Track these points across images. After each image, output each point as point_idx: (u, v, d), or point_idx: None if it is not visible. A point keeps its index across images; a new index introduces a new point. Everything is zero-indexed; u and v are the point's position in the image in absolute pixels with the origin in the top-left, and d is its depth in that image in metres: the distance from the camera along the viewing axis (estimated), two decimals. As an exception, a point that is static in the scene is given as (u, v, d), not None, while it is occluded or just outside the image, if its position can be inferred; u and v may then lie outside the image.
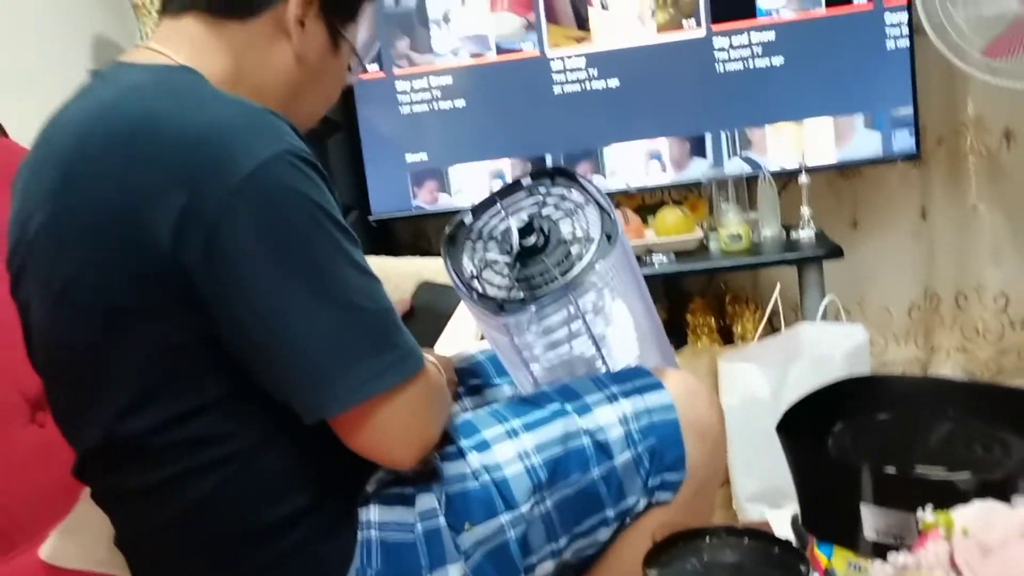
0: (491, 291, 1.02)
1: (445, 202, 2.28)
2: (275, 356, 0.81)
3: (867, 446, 0.82)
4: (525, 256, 1.03)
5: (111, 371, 0.84)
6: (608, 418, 0.99)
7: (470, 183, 2.27)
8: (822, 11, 2.12)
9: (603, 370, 1.08)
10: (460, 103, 2.24)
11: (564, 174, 1.09)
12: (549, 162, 2.24)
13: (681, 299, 2.35)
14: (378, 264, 1.46)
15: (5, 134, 1.50)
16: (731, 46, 2.15)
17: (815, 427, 0.85)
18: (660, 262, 2.04)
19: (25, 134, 1.47)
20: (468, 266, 1.06)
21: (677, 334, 2.30)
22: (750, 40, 2.14)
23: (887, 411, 0.88)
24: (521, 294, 1.02)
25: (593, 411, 1.00)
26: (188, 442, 0.84)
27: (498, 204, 1.09)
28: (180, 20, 0.92)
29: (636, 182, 2.23)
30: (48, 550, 1.05)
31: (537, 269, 1.02)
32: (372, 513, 0.92)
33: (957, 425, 0.81)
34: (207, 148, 0.78)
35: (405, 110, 2.25)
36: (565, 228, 1.05)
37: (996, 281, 2.42)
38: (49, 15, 1.91)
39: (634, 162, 2.22)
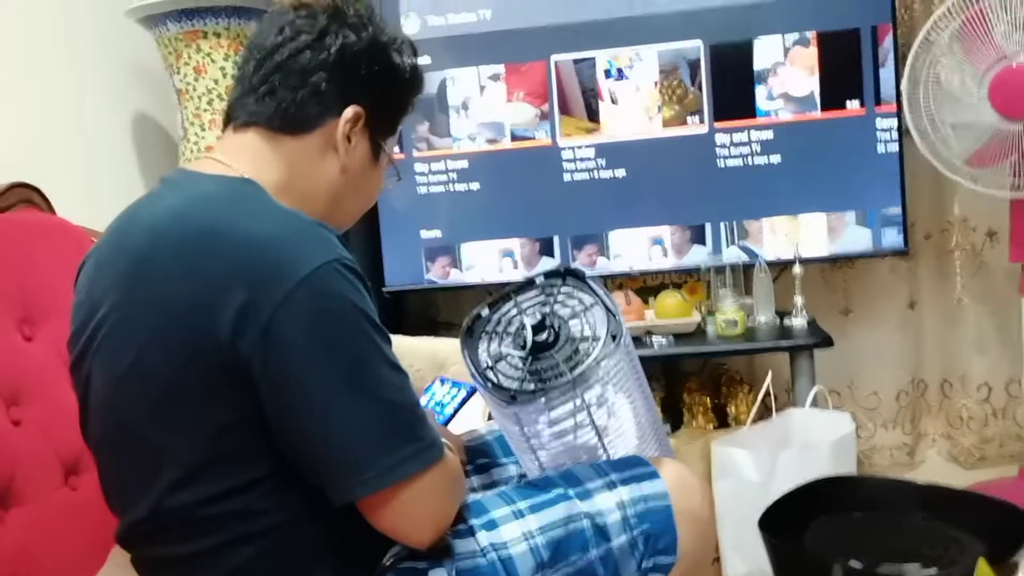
0: (504, 382, 1.12)
1: (456, 277, 2.39)
2: (313, 441, 0.90)
3: (840, 542, 0.90)
4: (536, 351, 1.13)
5: (165, 448, 0.93)
6: (607, 503, 1.08)
7: (481, 260, 2.38)
8: (818, 114, 2.26)
9: (604, 458, 1.18)
10: (475, 185, 2.37)
11: (575, 275, 1.20)
12: (556, 244, 2.36)
13: (678, 379, 2.45)
14: (396, 344, 1.57)
15: (52, 210, 1.60)
16: (732, 143, 2.28)
17: (795, 522, 0.94)
18: (659, 343, 2.13)
19: (69, 207, 1.60)
20: (483, 357, 1.16)
21: (673, 413, 2.39)
22: (750, 138, 2.28)
23: (861, 509, 0.97)
24: (532, 386, 1.11)
25: (593, 496, 1.09)
26: (230, 515, 0.93)
27: (513, 300, 1.20)
28: (244, 134, 1.05)
29: (639, 265, 2.34)
30: (79, 608, 1.12)
31: (547, 364, 1.12)
32: (388, 585, 1.01)
33: (922, 525, 0.90)
34: (267, 254, 0.90)
35: (422, 189, 2.38)
36: (574, 326, 1.15)
37: (980, 371, 2.53)
38: (96, 95, 2.05)
39: (637, 247, 2.34)
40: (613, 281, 2.42)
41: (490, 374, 1.14)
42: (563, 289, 1.20)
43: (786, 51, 2.26)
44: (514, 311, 1.19)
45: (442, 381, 1.63)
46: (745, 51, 2.27)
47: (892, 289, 2.53)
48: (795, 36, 2.25)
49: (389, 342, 0.96)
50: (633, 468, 1.13)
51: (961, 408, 2.56)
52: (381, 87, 1.08)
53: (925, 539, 0.89)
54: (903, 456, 2.58)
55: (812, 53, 2.25)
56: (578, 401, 1.10)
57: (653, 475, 1.12)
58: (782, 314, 2.25)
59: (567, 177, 2.34)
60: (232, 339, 0.88)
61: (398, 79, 1.10)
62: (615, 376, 1.12)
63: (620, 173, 2.32)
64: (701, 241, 2.32)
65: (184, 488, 0.93)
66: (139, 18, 1.98)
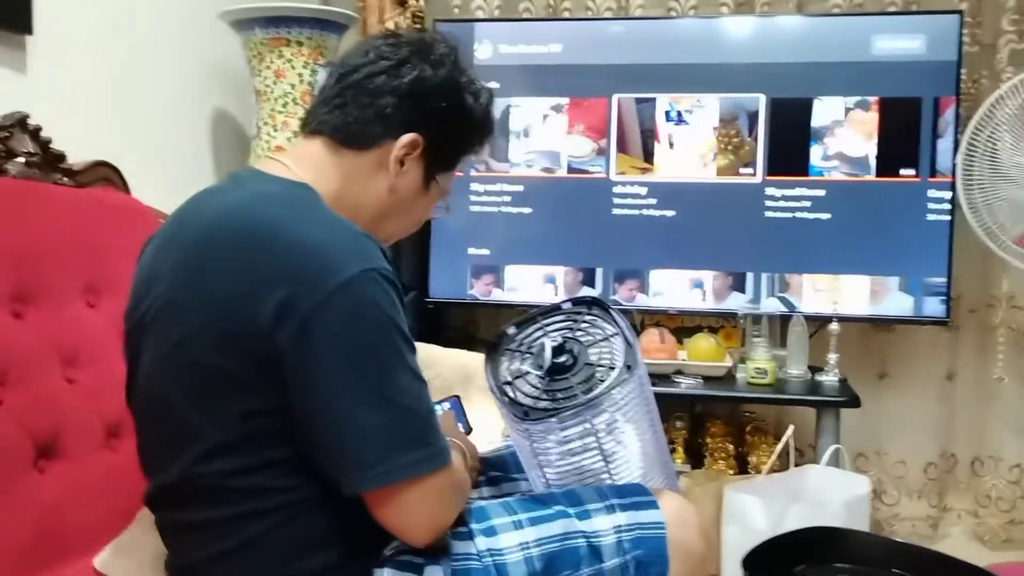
0: (520, 398, 1.18)
1: (498, 296, 2.46)
2: (330, 435, 0.96)
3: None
4: (554, 373, 1.19)
5: (196, 424, 1.00)
6: (604, 525, 1.13)
7: (524, 282, 2.45)
8: (871, 177, 2.29)
9: (608, 483, 1.22)
10: (527, 210, 2.44)
11: (600, 305, 1.25)
12: (599, 276, 2.41)
13: (703, 421, 2.47)
14: (427, 352, 1.64)
15: (128, 190, 1.72)
16: (782, 196, 2.32)
17: (780, 566, 0.98)
18: (687, 384, 2.17)
19: (144, 189, 1.71)
20: (504, 373, 1.22)
21: (694, 454, 2.41)
22: (800, 193, 2.31)
23: (845, 562, 1.00)
24: (545, 405, 1.17)
25: (592, 517, 1.13)
26: (249, 489, 1.00)
27: (539, 322, 1.26)
28: (311, 141, 1.13)
29: (676, 305, 2.38)
30: (101, 561, 1.20)
31: (562, 386, 1.17)
32: (385, 574, 1.06)
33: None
34: (314, 256, 0.96)
35: (475, 208, 2.46)
36: (593, 354, 1.20)
37: (1014, 452, 2.51)
38: (183, 89, 2.18)
39: (678, 287, 2.38)
40: (650, 318, 2.46)
41: (508, 389, 1.20)
42: (587, 317, 1.25)
43: (846, 112, 2.29)
44: (538, 333, 1.25)
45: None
46: (805, 108, 2.31)
47: (931, 358, 2.53)
48: (856, 99, 2.28)
49: (414, 351, 1.01)
50: (634, 496, 1.17)
51: (991, 487, 2.53)
52: (445, 122, 1.14)
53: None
54: (926, 528, 2.56)
55: (872, 117, 2.28)
56: (587, 425, 1.15)
57: (653, 504, 1.16)
58: (815, 369, 2.27)
59: (617, 212, 2.40)
60: (270, 332, 0.94)
61: (464, 119, 1.16)
62: (626, 405, 1.17)
63: (669, 213, 2.38)
64: (741, 289, 2.35)
65: (210, 460, 1.00)
66: (230, 21, 2.10)
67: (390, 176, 1.12)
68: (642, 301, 2.40)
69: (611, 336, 1.21)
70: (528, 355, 1.23)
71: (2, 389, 1.24)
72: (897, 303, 2.29)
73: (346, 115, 1.11)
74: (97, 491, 1.35)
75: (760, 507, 1.75)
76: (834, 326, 2.23)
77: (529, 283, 2.45)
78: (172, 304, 1.02)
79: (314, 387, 0.95)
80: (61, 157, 1.57)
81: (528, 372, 1.20)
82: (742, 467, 2.34)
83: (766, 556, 0.96)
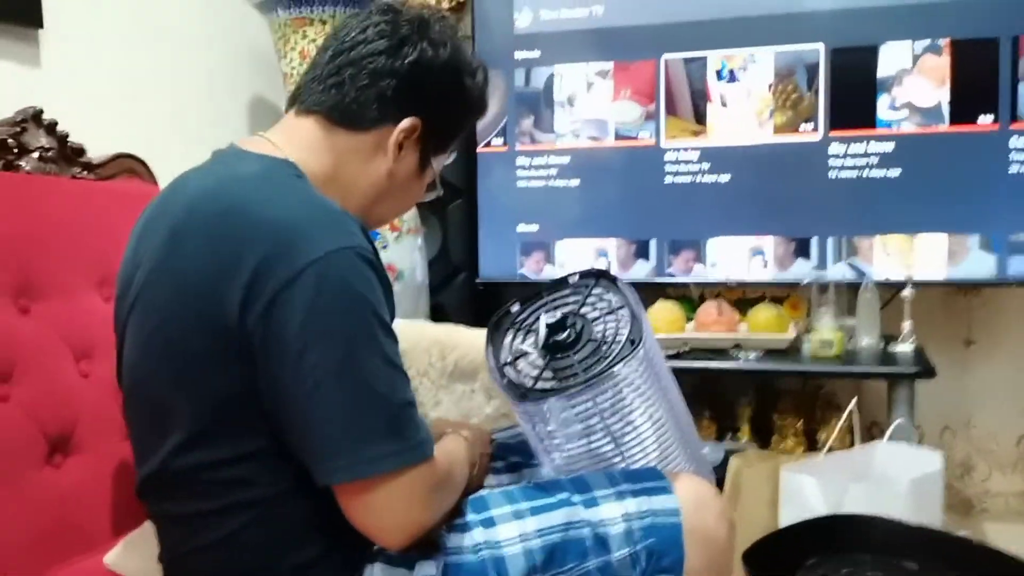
0: (518, 379, 1.11)
1: (549, 273, 2.38)
2: (297, 420, 0.92)
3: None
4: (557, 351, 1.11)
5: (175, 411, 0.97)
6: (612, 513, 1.05)
7: (575, 258, 2.36)
8: (945, 127, 2.10)
9: (621, 466, 1.14)
10: (574, 182, 2.34)
11: (607, 277, 1.17)
12: (653, 247, 2.30)
13: (772, 397, 2.34)
14: (449, 334, 1.58)
15: (155, 180, 1.71)
16: (847, 153, 2.15)
17: (790, 558, 0.88)
18: (746, 357, 2.04)
19: (171, 178, 1.69)
20: (505, 353, 1.14)
21: (762, 433, 2.29)
22: (867, 149, 2.14)
23: (863, 551, 0.89)
24: (547, 385, 1.09)
25: (599, 505, 1.05)
26: (229, 482, 0.96)
27: (544, 298, 1.18)
28: (304, 119, 1.08)
29: (736, 275, 2.25)
30: (112, 557, 1.19)
31: (564, 364, 1.09)
32: (376, 571, 1.00)
33: (919, 573, 0.82)
34: (283, 234, 0.91)
35: (522, 183, 2.38)
36: (598, 328, 1.12)
37: (1118, 422, 2.29)
38: (212, 74, 2.17)
39: (737, 256, 2.25)
40: (710, 291, 2.33)
41: (508, 370, 1.13)
42: (595, 291, 1.16)
43: (915, 59, 2.11)
44: (544, 309, 1.17)
45: None
46: (869, 56, 2.13)
47: (1022, 323, 2.32)
48: (926, 43, 2.10)
49: (393, 338, 0.95)
50: (647, 480, 1.09)
51: (1092, 461, 2.32)
52: (445, 105, 1.10)
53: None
54: (1021, 504, 2.37)
55: (944, 62, 2.09)
56: (590, 405, 1.07)
57: (666, 489, 1.07)
58: (889, 339, 2.11)
59: (669, 179, 2.28)
60: (240, 313, 0.91)
61: (463, 102, 1.12)
62: (634, 383, 1.08)
63: (724, 178, 2.24)
64: (805, 255, 2.20)
65: (189, 451, 0.97)
66: (255, 3, 2.07)
67: (389, 160, 1.08)
68: (699, 273, 2.27)
69: (617, 309, 1.12)
70: (531, 333, 1.15)
71: (9, 385, 1.23)
72: (978, 264, 2.10)
73: (343, 95, 1.06)
74: (113, 485, 1.34)
75: (818, 487, 1.63)
76: (907, 291, 2.06)
77: (580, 258, 2.35)
78: (150, 289, 1.00)
79: (279, 370, 0.91)
80: (80, 151, 1.57)
81: (529, 352, 1.12)
82: (812, 445, 2.20)
83: (773, 548, 0.86)
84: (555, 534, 1.03)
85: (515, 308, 1.19)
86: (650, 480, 1.09)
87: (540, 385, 1.09)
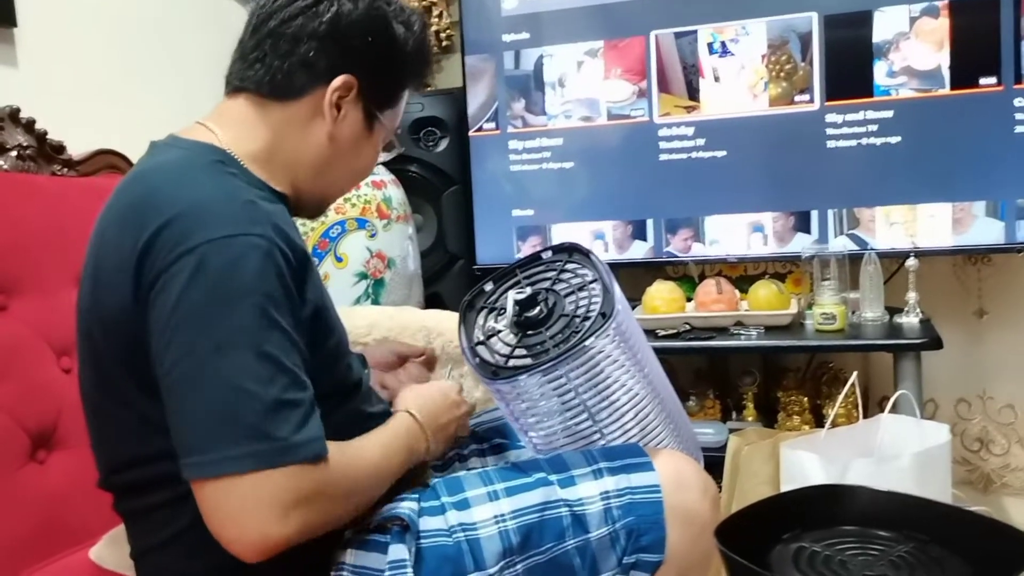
0: (490, 358, 1.08)
1: (548, 258, 2.34)
2: (168, 408, 0.87)
3: (806, 559, 0.80)
4: (529, 328, 1.08)
5: (106, 409, 0.98)
6: (590, 492, 1.02)
7: (572, 241, 2.31)
8: (946, 91, 2.04)
9: (600, 444, 1.11)
10: (568, 164, 2.31)
11: (580, 251, 1.14)
12: (650, 227, 2.26)
13: (777, 374, 2.30)
14: (436, 319, 1.55)
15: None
16: (844, 122, 2.10)
17: (767, 533, 0.84)
18: (747, 335, 2.01)
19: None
20: (477, 332, 1.12)
21: (768, 411, 2.25)
22: (865, 117, 2.09)
23: (851, 523, 0.86)
24: (520, 363, 1.07)
25: (577, 484, 1.03)
26: (166, 477, 0.92)
27: (517, 275, 1.15)
28: (234, 99, 1.06)
29: (736, 252, 2.21)
30: (95, 552, 1.18)
31: (535, 340, 1.07)
32: (348, 556, 0.98)
33: (907, 545, 0.78)
34: (177, 221, 0.88)
35: (516, 168, 2.35)
36: (571, 303, 1.09)
37: None
38: (194, 73, 2.13)
39: (736, 232, 2.21)
40: (711, 268, 2.29)
41: (482, 349, 1.10)
42: (568, 266, 1.14)
43: (911, 21, 2.05)
44: (516, 287, 1.15)
45: None
46: (864, 23, 2.08)
47: (1037, 290, 2.26)
48: (922, 5, 2.04)
49: (282, 331, 0.88)
50: (625, 457, 1.06)
51: (1115, 429, 2.26)
52: (376, 58, 1.05)
53: (905, 561, 0.78)
54: (1040, 478, 2.31)
55: (942, 24, 2.03)
56: (563, 380, 1.04)
57: (646, 466, 1.04)
58: (895, 311, 2.06)
59: (664, 157, 2.24)
60: (134, 302, 0.89)
61: (396, 51, 1.07)
62: (609, 355, 1.05)
63: (720, 154, 2.20)
64: (806, 229, 2.16)
65: (125, 448, 0.97)
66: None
67: (327, 123, 1.04)
68: (698, 251, 2.23)
69: (590, 283, 1.09)
70: (503, 311, 1.12)
71: (-15, 382, 1.23)
72: (985, 230, 2.04)
73: (267, 67, 1.03)
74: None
75: (819, 464, 1.58)
76: (912, 262, 2.01)
77: (577, 241, 2.30)
78: (84, 288, 1.00)
79: (159, 356, 0.87)
80: (60, 148, 1.56)
81: (500, 330, 1.10)
82: (820, 422, 2.15)
83: (748, 523, 0.83)
84: (531, 515, 1.00)
85: (488, 287, 1.16)
86: (629, 457, 1.06)
87: (512, 363, 1.07)
